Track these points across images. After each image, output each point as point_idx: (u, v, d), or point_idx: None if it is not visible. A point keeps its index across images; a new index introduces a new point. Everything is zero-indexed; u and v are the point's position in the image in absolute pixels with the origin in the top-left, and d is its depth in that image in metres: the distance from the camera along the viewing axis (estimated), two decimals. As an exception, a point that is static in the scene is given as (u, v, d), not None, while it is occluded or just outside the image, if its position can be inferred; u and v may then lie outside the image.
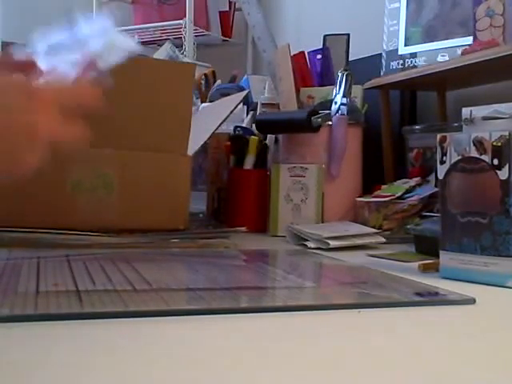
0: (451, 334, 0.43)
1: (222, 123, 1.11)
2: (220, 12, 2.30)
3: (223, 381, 0.31)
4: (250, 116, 1.29)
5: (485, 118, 0.61)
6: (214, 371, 0.33)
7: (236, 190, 1.12)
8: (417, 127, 1.15)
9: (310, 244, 0.88)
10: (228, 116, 1.11)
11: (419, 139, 1.12)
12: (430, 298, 0.52)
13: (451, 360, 0.36)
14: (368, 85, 1.22)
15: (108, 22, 0.55)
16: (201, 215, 1.22)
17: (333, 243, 0.86)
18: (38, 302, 0.46)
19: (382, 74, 1.26)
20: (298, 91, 1.20)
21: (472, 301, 0.51)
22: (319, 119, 1.04)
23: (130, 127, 0.92)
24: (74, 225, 0.82)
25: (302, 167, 1.04)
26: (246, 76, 1.62)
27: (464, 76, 1.09)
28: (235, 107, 1.13)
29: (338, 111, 1.06)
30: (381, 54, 1.27)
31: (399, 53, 1.24)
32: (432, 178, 1.06)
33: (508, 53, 0.90)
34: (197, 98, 1.52)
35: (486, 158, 0.59)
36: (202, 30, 2.23)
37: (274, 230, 1.05)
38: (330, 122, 1.05)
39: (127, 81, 0.94)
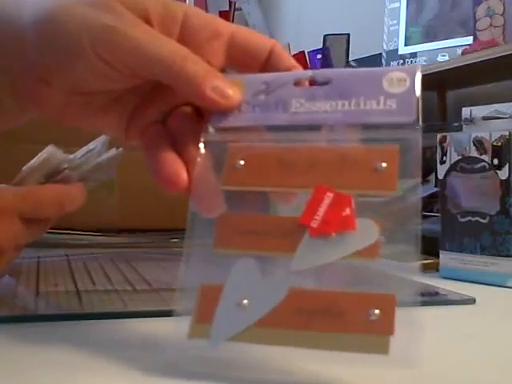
0: (451, 334, 0.42)
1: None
2: (220, 12, 2.30)
3: (223, 381, 0.31)
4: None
5: (485, 118, 0.61)
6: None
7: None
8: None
9: (310, 244, 0.88)
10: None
11: (419, 139, 1.12)
12: (430, 298, 0.52)
13: (451, 360, 0.36)
14: (368, 85, 1.22)
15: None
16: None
17: (333, 243, 0.85)
18: (38, 302, 0.46)
19: (381, 73, 1.26)
20: (298, 91, 1.20)
21: (472, 301, 0.51)
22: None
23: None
24: (74, 225, 0.82)
25: (302, 167, 1.04)
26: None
27: (464, 76, 1.09)
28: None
29: (338, 111, 1.06)
30: (381, 53, 1.27)
31: (399, 53, 1.24)
32: (432, 178, 1.06)
33: (508, 53, 0.90)
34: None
35: (486, 157, 0.59)
36: (201, 30, 2.23)
37: (274, 229, 1.05)
38: (330, 122, 1.05)
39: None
